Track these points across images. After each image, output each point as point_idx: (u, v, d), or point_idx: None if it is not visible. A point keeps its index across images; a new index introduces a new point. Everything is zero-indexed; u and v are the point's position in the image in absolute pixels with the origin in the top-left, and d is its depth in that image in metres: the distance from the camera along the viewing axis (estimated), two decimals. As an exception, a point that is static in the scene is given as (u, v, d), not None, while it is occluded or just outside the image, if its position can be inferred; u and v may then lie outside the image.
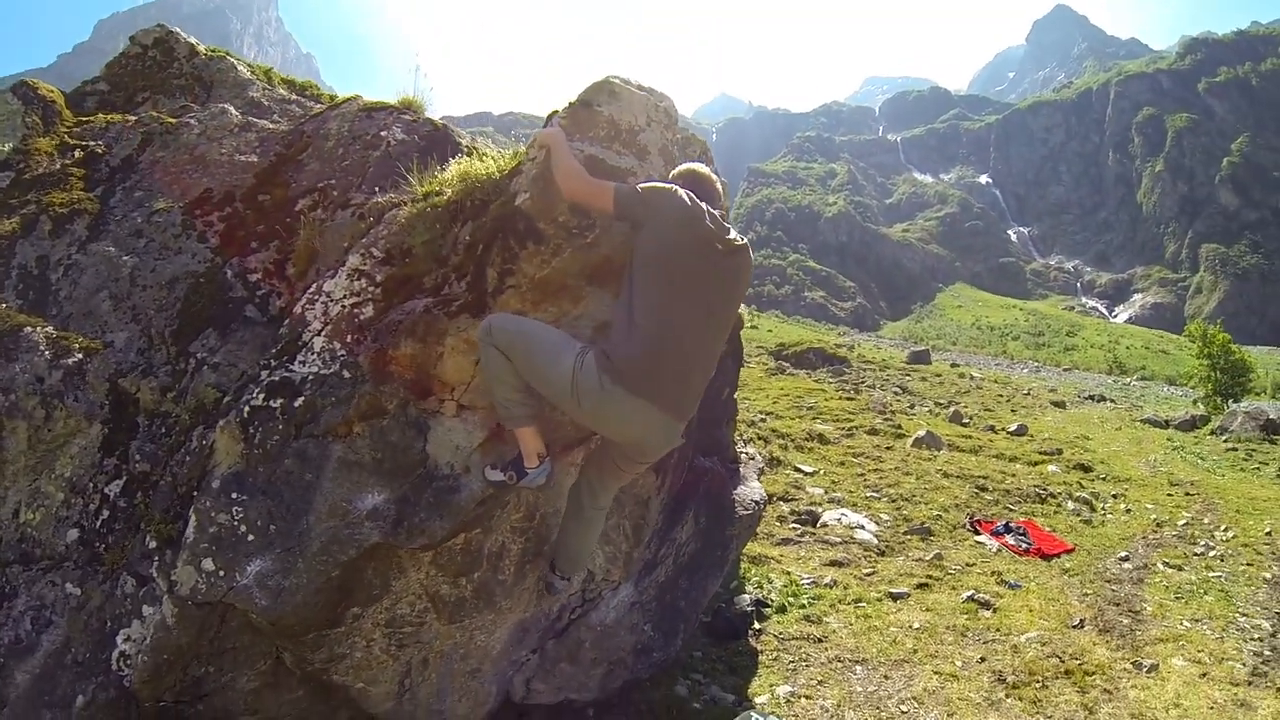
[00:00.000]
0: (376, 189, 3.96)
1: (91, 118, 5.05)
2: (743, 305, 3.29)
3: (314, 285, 3.22)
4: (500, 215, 2.92)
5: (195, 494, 2.76)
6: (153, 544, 2.83)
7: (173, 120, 4.79)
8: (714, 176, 2.92)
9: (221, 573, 2.58)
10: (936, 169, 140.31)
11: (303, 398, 2.75)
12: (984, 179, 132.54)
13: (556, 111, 3.08)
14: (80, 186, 4.30)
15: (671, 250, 2.57)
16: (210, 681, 2.75)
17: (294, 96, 5.75)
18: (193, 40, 5.82)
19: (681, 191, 2.65)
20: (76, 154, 4.61)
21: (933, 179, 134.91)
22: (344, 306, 3.04)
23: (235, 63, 5.81)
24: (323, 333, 2.96)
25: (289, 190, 4.18)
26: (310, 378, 2.79)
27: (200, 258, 3.77)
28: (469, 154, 4.41)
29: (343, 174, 4.15)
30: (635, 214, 2.63)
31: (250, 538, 2.61)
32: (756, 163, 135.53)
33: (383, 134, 4.38)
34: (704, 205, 2.66)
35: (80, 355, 3.39)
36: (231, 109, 4.93)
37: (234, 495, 2.66)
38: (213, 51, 5.89)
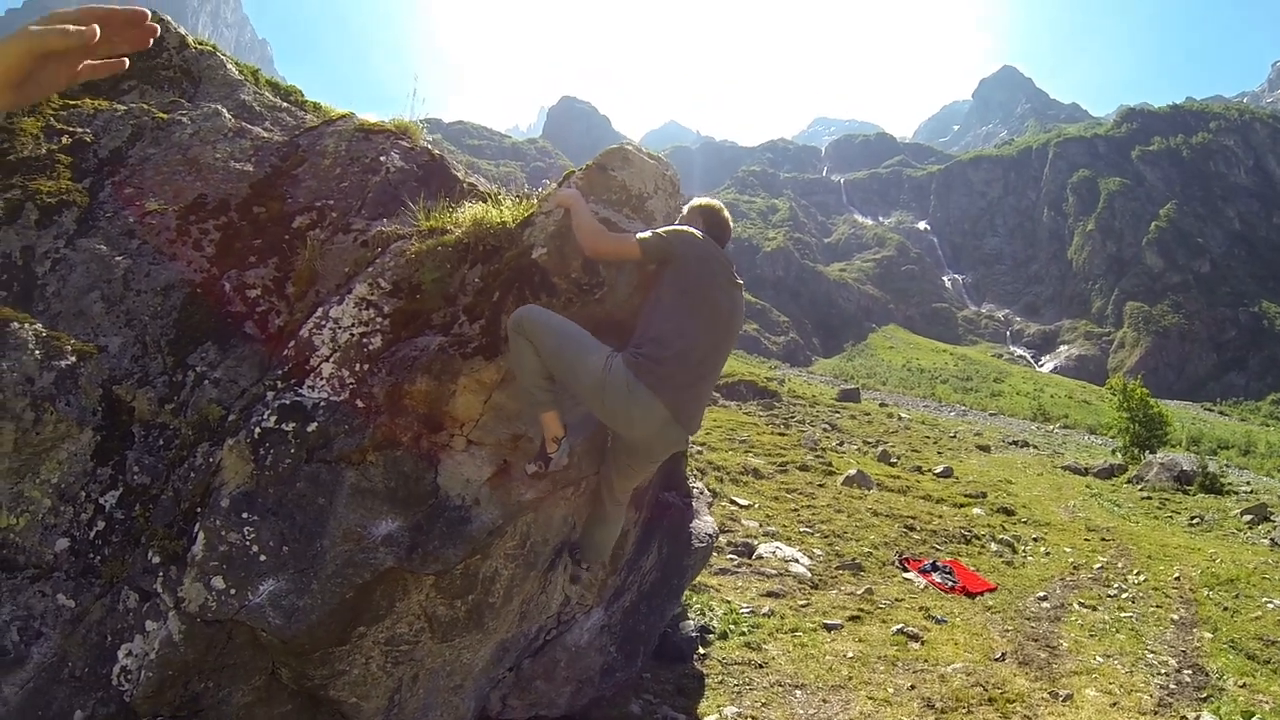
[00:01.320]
0: (378, 215, 4.06)
1: (78, 102, 4.94)
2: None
3: (319, 310, 3.32)
4: (517, 266, 3.10)
5: (200, 511, 2.80)
6: (156, 559, 2.85)
7: (164, 116, 4.74)
8: (725, 213, 3.26)
9: (233, 591, 2.63)
10: (877, 212, 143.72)
11: (315, 423, 2.85)
12: (923, 225, 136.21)
13: (574, 172, 3.30)
14: (68, 176, 4.18)
15: (693, 281, 2.93)
16: (207, 697, 2.78)
17: (283, 103, 5.77)
18: (183, 31, 5.77)
19: (697, 232, 3.02)
20: (64, 140, 4.48)
21: (873, 221, 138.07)
22: (352, 335, 3.16)
23: (225, 60, 5.79)
24: (331, 359, 3.07)
25: (284, 205, 4.21)
26: (322, 404, 2.90)
27: (197, 266, 3.76)
28: (468, 189, 4.58)
29: (341, 195, 4.22)
30: (660, 256, 2.96)
31: (263, 558, 2.67)
32: (700, 193, 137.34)
33: (381, 159, 4.45)
34: (714, 245, 3.03)
35: (74, 358, 3.33)
36: (224, 111, 4.93)
37: (244, 515, 2.71)
38: (201, 44, 5.86)
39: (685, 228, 3.03)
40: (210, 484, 2.88)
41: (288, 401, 2.93)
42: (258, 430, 2.86)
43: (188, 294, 3.70)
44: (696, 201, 3.27)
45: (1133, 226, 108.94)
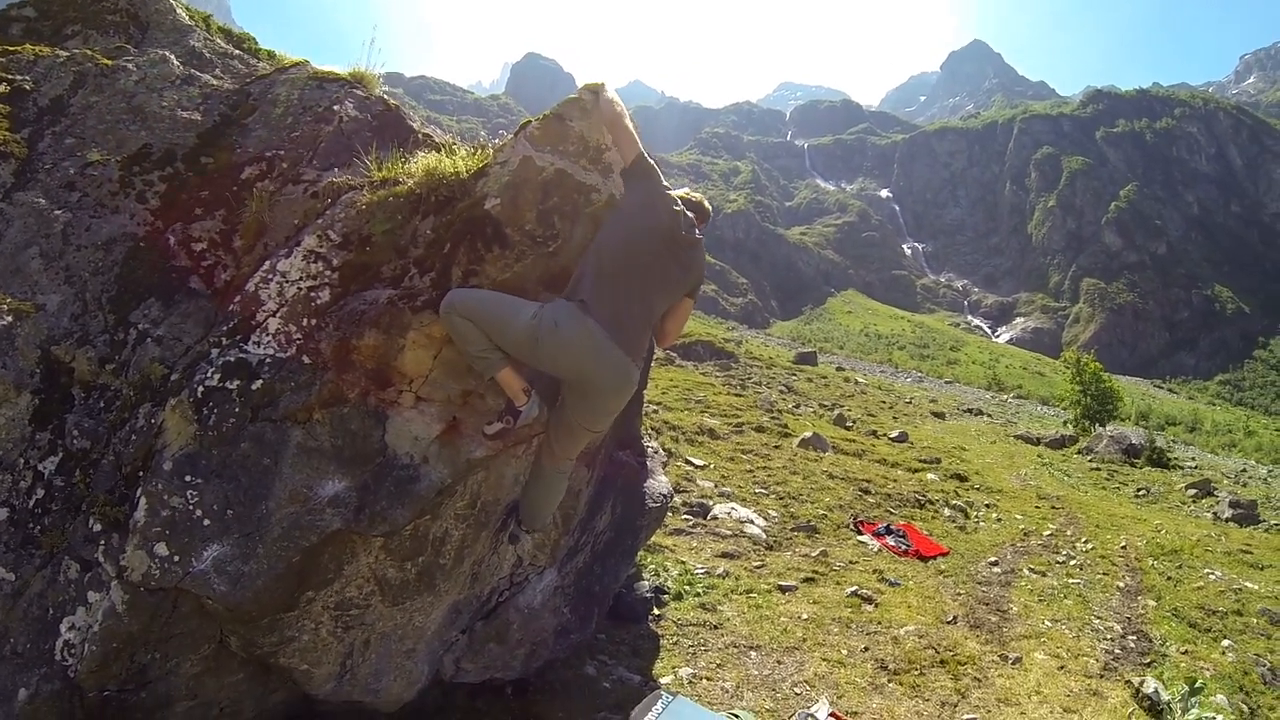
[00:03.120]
0: (329, 166, 3.93)
1: (18, 48, 4.70)
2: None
3: (266, 263, 3.20)
4: (470, 217, 3.02)
5: (142, 475, 2.71)
6: (97, 527, 2.76)
7: (108, 62, 4.52)
8: (707, 204, 3.25)
9: (176, 558, 2.56)
10: (840, 178, 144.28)
11: (260, 380, 2.77)
12: (885, 193, 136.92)
13: (530, 122, 3.19)
14: (6, 126, 3.98)
15: (629, 212, 2.94)
16: (155, 668, 2.71)
17: (235, 50, 5.53)
18: (131, -26, 5.50)
19: (662, 180, 3.03)
20: (2, 88, 4.32)
21: (835, 187, 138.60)
22: (300, 289, 3.06)
23: (174, 4, 5.53)
24: (278, 314, 2.98)
25: (234, 155, 4.06)
26: (268, 360, 2.82)
27: (140, 219, 3.60)
28: (423, 139, 4.44)
29: (292, 145, 4.07)
30: (633, 175, 2.99)
31: (206, 522, 2.60)
32: (662, 153, 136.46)
33: (334, 108, 4.30)
34: (675, 200, 3.02)
35: (10, 318, 3.18)
36: (173, 58, 4.71)
37: (187, 478, 2.64)
38: (151, -12, 5.59)
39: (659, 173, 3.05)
40: (152, 446, 2.78)
41: (232, 359, 2.84)
42: (201, 389, 2.76)
43: (130, 248, 3.55)
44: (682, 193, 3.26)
45: (1093, 205, 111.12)
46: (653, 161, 3.04)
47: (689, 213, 3.04)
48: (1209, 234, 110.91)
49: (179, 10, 5.47)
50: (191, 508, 2.62)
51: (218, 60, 5.26)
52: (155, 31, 5.31)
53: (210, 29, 5.70)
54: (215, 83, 4.63)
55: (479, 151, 3.41)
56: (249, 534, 2.61)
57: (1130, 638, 6.16)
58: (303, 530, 2.64)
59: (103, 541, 2.73)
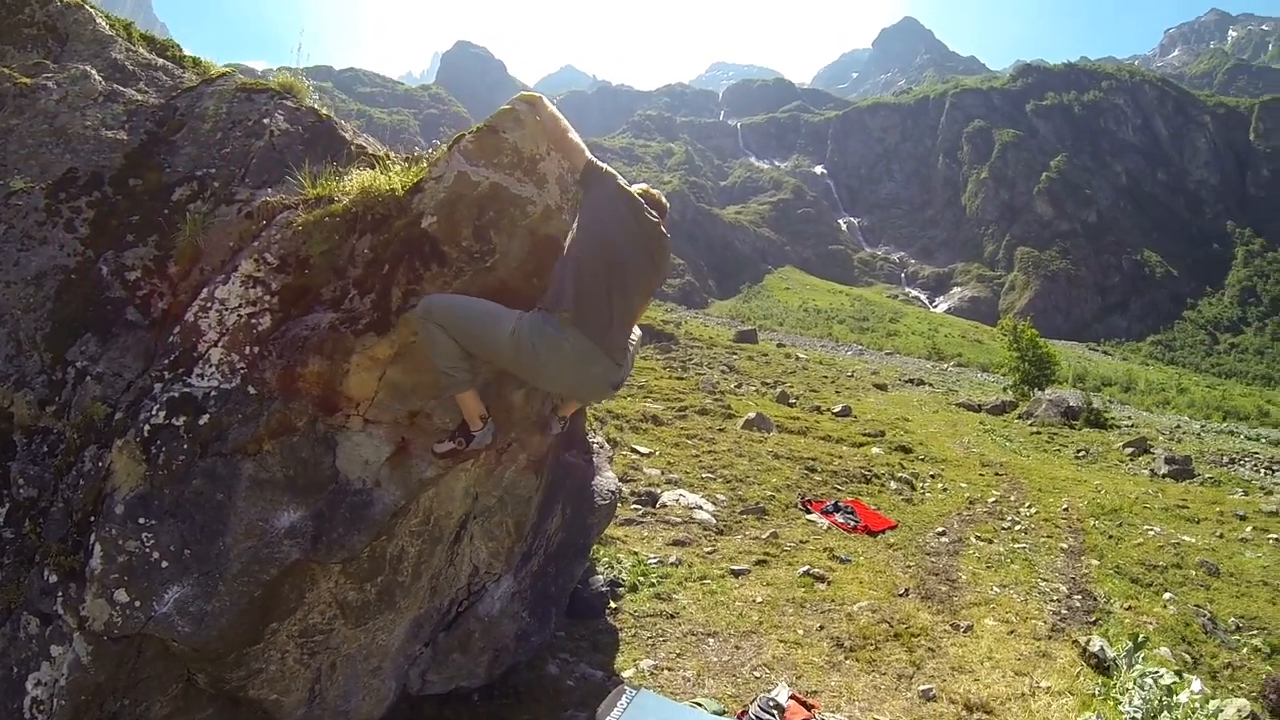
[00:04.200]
0: (263, 184, 3.87)
1: (-69, 66, 4.50)
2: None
3: (204, 290, 3.15)
4: (407, 237, 3.02)
5: (94, 520, 2.67)
6: (53, 578, 2.70)
7: (28, 81, 4.34)
8: (664, 199, 3.28)
9: (137, 603, 2.53)
10: (774, 156, 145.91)
11: (207, 415, 2.75)
12: (819, 169, 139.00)
13: (464, 135, 3.19)
14: None
15: (598, 217, 2.94)
16: (126, 715, 2.68)
17: (159, 60, 5.36)
18: (47, -19, 5.27)
19: (620, 179, 3.05)
20: None
21: (769, 165, 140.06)
22: (240, 316, 3.02)
23: (94, 14, 5.33)
24: (219, 343, 2.95)
25: (163, 176, 3.96)
26: (213, 393, 2.79)
27: (70, 250, 3.49)
28: (357, 151, 4.39)
29: (223, 163, 3.99)
30: (587, 179, 3.00)
31: (164, 564, 2.57)
32: (595, 137, 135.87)
33: (264, 121, 4.22)
34: (629, 191, 3.05)
35: None
36: (94, 73, 4.55)
37: (141, 520, 2.60)
38: (67, -4, 5.37)
39: (613, 170, 3.07)
40: (102, 490, 2.74)
41: (177, 394, 2.80)
42: (147, 428, 2.73)
43: (62, 281, 3.46)
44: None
45: (1025, 176, 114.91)
46: (605, 165, 3.08)
47: (653, 210, 3.09)
48: (1137, 202, 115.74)
49: (99, 20, 5.27)
50: (148, 550, 2.58)
51: (141, 73, 5.09)
52: (75, 44, 5.12)
53: (132, 38, 5.50)
54: (140, 98, 4.50)
55: (413, 165, 3.39)
56: (208, 572, 2.59)
57: (1076, 597, 6.43)
58: (262, 564, 2.63)
59: (60, 593, 2.68)
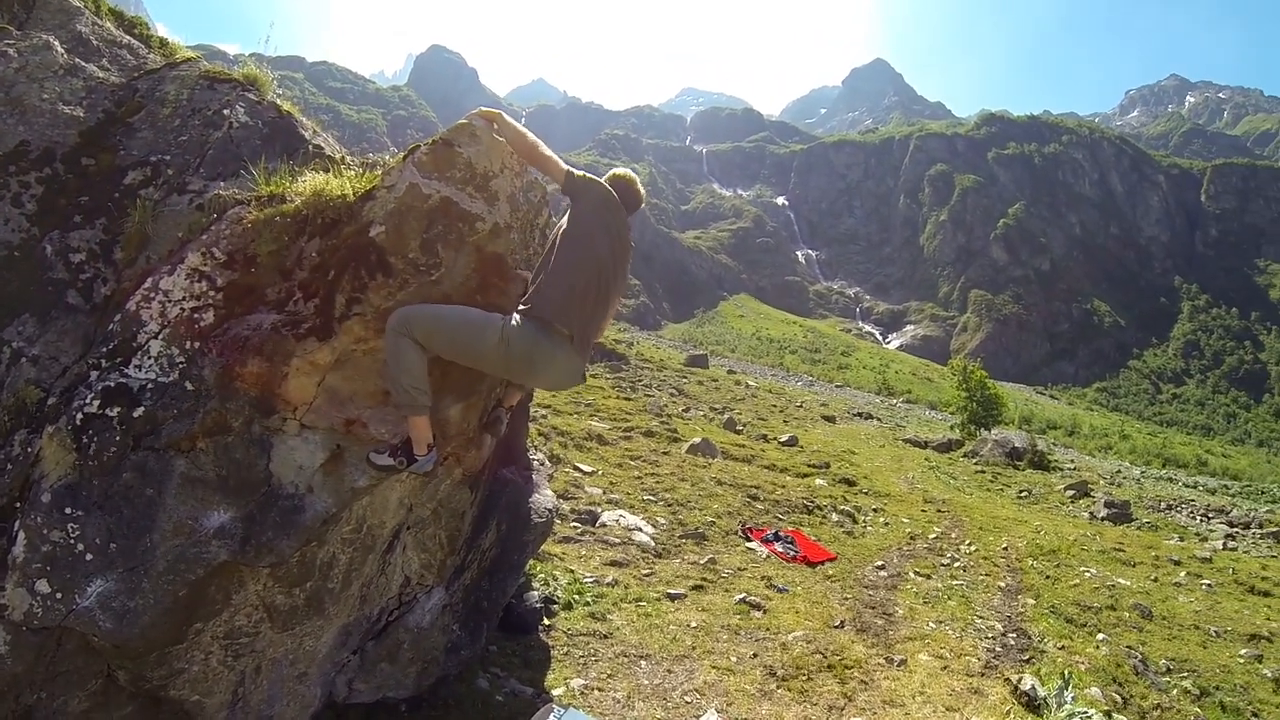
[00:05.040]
0: (216, 176, 3.81)
1: (-116, 31, 4.33)
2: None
3: (149, 280, 3.09)
4: (355, 245, 3.01)
5: (20, 507, 2.60)
6: None
7: (-14, 46, 4.25)
8: (638, 185, 3.40)
9: (59, 595, 2.48)
10: (737, 184, 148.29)
11: (142, 408, 2.69)
12: (781, 200, 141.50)
13: (418, 146, 3.19)
14: None
15: (589, 228, 3.07)
16: (42, 709, 2.61)
17: (125, 37, 5.25)
18: (16, -52, 5.13)
19: (602, 184, 3.20)
20: None
21: (732, 193, 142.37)
22: (183, 309, 2.98)
23: (65, -18, 5.21)
24: (160, 335, 2.90)
25: (117, 158, 3.88)
26: (150, 386, 2.74)
27: (15, 225, 3.38)
28: (314, 151, 4.35)
29: (179, 150, 3.92)
30: (572, 191, 3.13)
31: (89, 557, 2.52)
32: (561, 152, 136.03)
33: (225, 112, 4.15)
34: (613, 195, 3.20)
35: None
36: (57, 44, 4.43)
37: (68, 510, 2.55)
38: (36, -37, 5.22)
39: (599, 180, 3.21)
40: (29, 476, 2.68)
41: (112, 384, 2.74)
42: (80, 416, 2.67)
43: (3, 258, 3.36)
44: (616, 170, 3.42)
45: (982, 221, 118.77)
46: (582, 172, 3.19)
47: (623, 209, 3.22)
48: (1089, 253, 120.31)
49: (68, -11, 5.15)
50: (73, 541, 2.54)
51: (105, 49, 4.97)
52: (40, 12, 4.96)
53: (100, 11, 5.35)
54: (101, 75, 4.39)
55: (367, 172, 3.39)
56: (134, 568, 2.55)
57: (1010, 635, 6.50)
58: (189, 563, 2.59)
59: (-19, 581, 2.60)
